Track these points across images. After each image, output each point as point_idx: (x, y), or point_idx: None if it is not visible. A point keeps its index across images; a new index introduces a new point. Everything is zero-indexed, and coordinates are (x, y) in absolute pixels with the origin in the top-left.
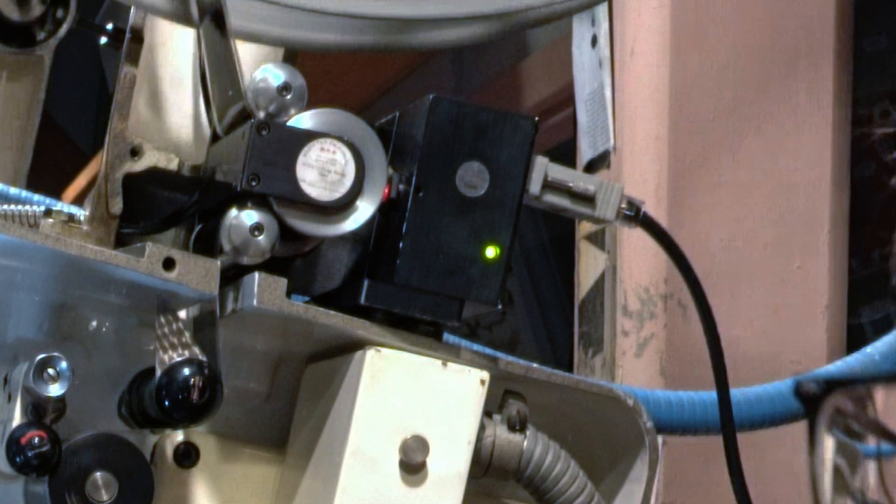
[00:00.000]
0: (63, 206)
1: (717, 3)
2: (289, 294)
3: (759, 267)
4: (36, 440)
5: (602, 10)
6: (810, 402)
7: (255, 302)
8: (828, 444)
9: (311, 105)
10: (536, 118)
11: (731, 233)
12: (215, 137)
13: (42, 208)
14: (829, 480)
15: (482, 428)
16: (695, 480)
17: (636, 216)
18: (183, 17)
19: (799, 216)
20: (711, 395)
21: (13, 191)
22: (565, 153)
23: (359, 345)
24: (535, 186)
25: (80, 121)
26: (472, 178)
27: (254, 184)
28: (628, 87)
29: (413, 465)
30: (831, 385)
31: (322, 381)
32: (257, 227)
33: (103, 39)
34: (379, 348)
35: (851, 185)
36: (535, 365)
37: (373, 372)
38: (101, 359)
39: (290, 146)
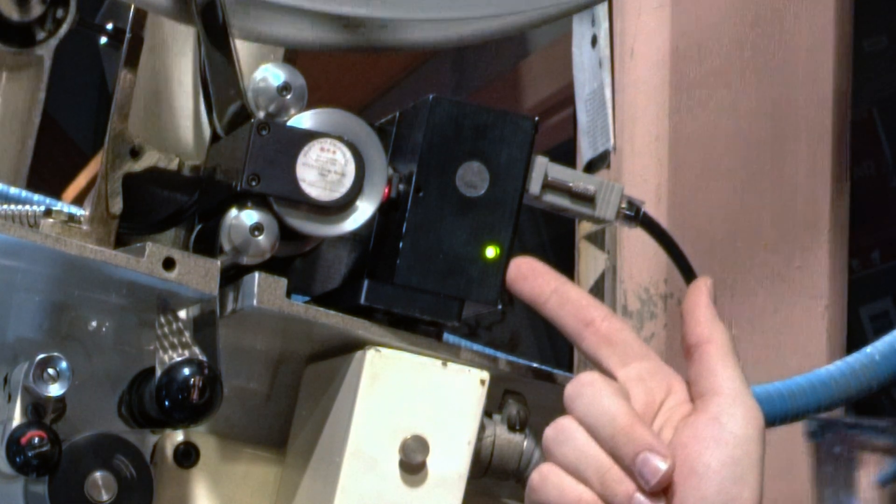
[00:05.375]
0: (63, 206)
1: (717, 3)
2: (289, 294)
3: (759, 267)
4: (36, 440)
5: (602, 10)
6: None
7: (255, 302)
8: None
9: (311, 105)
10: (536, 118)
11: (732, 233)
12: (215, 137)
13: (42, 208)
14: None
15: (482, 428)
16: None
17: (636, 216)
18: (182, 16)
19: (799, 216)
20: None
21: (13, 191)
22: (565, 153)
23: (359, 345)
24: (535, 186)
25: (80, 121)
26: (472, 178)
27: (254, 184)
28: (628, 87)
29: (413, 465)
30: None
31: (322, 381)
32: (257, 227)
33: (103, 39)
34: (379, 348)
35: (851, 185)
36: (535, 365)
37: (373, 372)
38: (101, 359)
39: (290, 146)
